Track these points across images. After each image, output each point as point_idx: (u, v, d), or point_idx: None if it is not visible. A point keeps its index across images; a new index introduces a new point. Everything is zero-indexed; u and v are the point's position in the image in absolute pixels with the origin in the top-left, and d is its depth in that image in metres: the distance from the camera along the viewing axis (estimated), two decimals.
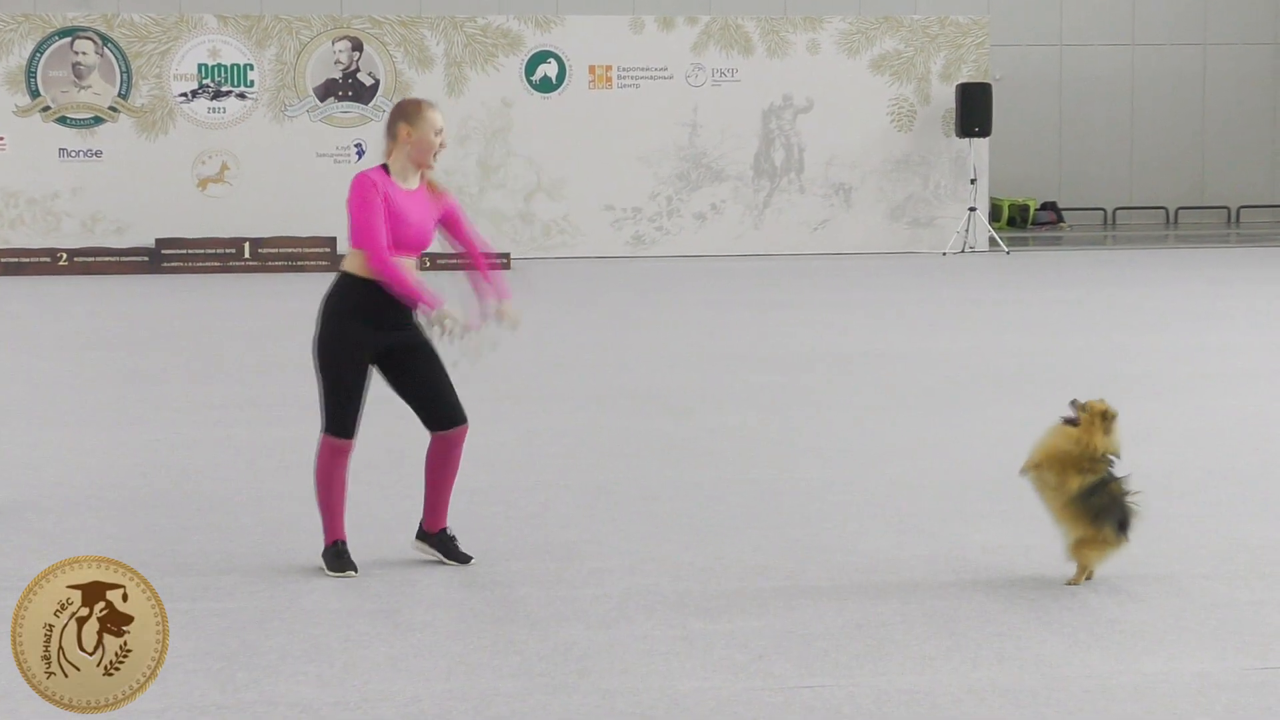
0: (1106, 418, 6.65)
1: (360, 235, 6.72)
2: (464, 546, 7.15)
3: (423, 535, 7.13)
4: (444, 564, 7.07)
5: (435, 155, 6.86)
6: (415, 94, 23.21)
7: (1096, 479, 6.61)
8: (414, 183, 6.87)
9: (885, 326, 15.65)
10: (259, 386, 12.19)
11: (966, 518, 7.89)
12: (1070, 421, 6.69)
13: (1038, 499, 6.81)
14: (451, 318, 6.72)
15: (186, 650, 5.88)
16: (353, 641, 6.03)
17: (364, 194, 6.74)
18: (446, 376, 6.95)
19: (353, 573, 6.90)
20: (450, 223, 6.99)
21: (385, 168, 6.86)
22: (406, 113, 6.85)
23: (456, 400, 6.97)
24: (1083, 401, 6.73)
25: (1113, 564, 6.77)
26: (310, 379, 11.44)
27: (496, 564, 7.07)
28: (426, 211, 6.85)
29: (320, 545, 7.04)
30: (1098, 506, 6.59)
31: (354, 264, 6.79)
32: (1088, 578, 6.71)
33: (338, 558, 6.93)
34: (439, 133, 6.85)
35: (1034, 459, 6.75)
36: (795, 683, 5.56)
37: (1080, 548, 6.65)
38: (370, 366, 6.86)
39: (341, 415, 6.83)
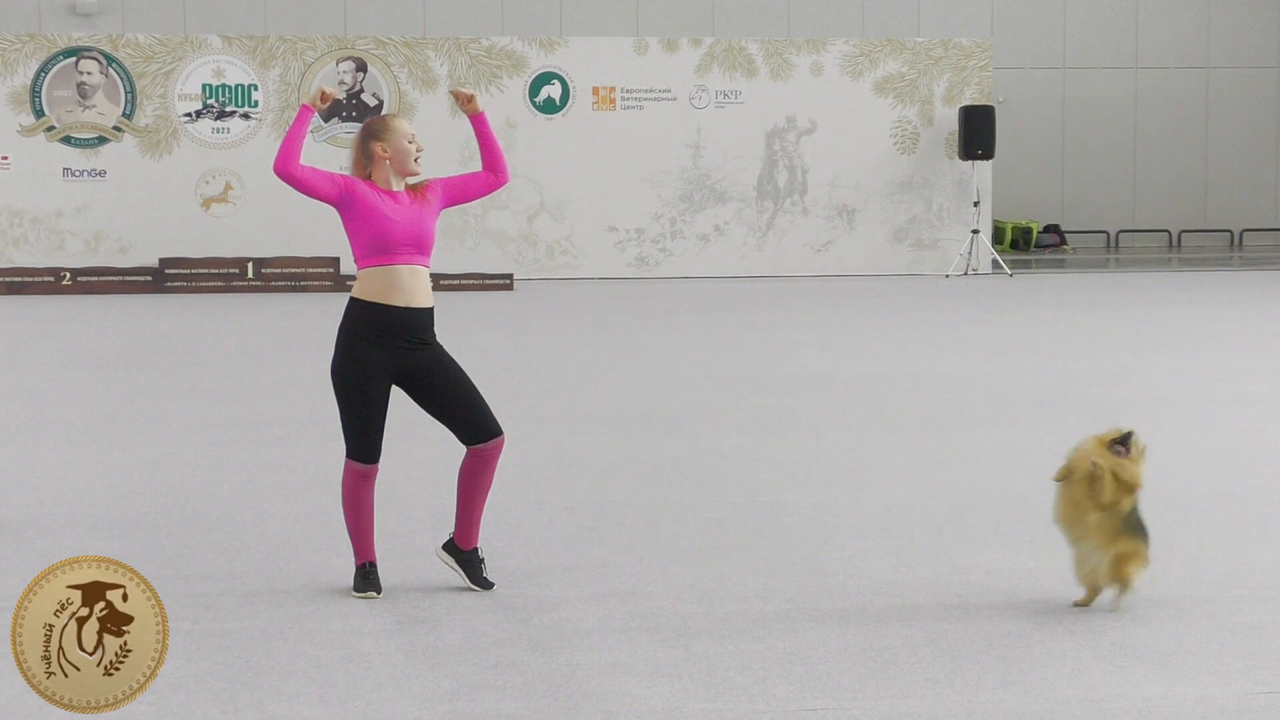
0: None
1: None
2: None
3: (450, 548, 7.08)
4: (455, 583, 7.05)
5: (416, 160, 6.91)
6: (419, 115, 23.27)
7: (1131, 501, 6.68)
8: (399, 187, 6.93)
9: (888, 349, 15.65)
10: (261, 406, 12.19)
11: (969, 541, 7.89)
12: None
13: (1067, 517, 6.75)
14: (319, 93, 6.85)
15: (188, 670, 5.88)
16: (355, 662, 6.03)
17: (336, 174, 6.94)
18: (474, 389, 6.93)
19: (374, 594, 6.89)
20: (455, 190, 7.05)
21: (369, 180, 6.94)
22: (375, 131, 6.91)
23: (489, 412, 6.93)
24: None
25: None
26: (313, 399, 11.46)
27: (500, 586, 7.06)
28: (418, 212, 6.87)
29: (343, 566, 7.05)
30: (1135, 523, 6.64)
31: (359, 288, 6.81)
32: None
33: (364, 579, 6.92)
34: (411, 139, 6.91)
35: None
36: (798, 705, 5.56)
37: (1122, 564, 6.63)
38: (390, 389, 6.86)
39: (362, 440, 6.81)
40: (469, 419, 6.90)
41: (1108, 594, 6.73)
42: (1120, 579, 6.63)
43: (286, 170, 6.75)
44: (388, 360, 6.79)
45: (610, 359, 15.11)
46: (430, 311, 6.89)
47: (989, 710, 5.51)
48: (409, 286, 6.81)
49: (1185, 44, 30.43)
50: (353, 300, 6.83)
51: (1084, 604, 6.73)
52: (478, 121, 7.13)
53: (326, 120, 23.69)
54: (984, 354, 15.29)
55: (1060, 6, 30.12)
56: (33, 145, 23.41)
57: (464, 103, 7.10)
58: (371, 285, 6.79)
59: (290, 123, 6.86)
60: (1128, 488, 6.62)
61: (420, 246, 6.84)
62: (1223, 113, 30.56)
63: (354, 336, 6.79)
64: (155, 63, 23.64)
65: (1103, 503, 6.59)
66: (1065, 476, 6.71)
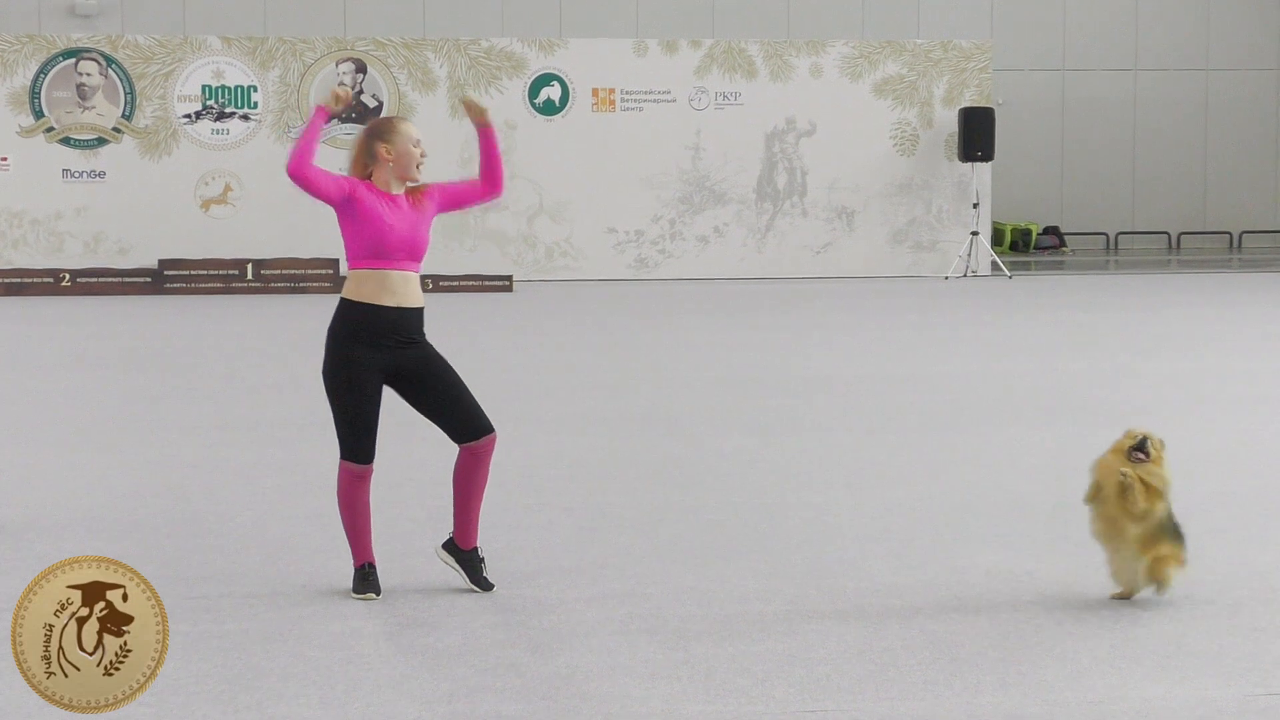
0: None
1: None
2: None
3: (451, 547, 7.07)
4: (454, 585, 7.05)
5: (419, 166, 6.89)
6: (419, 116, 23.27)
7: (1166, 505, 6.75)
8: (398, 190, 6.91)
9: (887, 350, 15.65)
10: (260, 408, 12.18)
11: (968, 542, 7.89)
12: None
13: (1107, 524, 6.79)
14: (333, 95, 6.85)
15: (188, 672, 5.88)
16: (355, 664, 6.03)
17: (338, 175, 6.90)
18: (465, 387, 6.92)
19: (373, 595, 6.88)
20: (450, 198, 7.04)
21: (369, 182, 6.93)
22: (381, 132, 6.90)
23: (480, 409, 6.92)
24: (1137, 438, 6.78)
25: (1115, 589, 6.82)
26: (312, 401, 11.44)
27: (499, 587, 7.06)
28: (415, 219, 6.86)
29: (343, 568, 7.07)
30: (1174, 527, 6.73)
31: (351, 289, 6.81)
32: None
33: (363, 580, 6.92)
34: (417, 143, 6.89)
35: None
36: (798, 707, 5.55)
37: (1159, 566, 6.68)
38: (382, 388, 6.85)
39: (356, 441, 6.81)
40: (460, 417, 6.89)
41: (1146, 592, 6.77)
42: (1158, 579, 6.67)
43: (301, 173, 6.77)
44: (378, 359, 6.78)
45: (610, 360, 15.11)
46: (420, 311, 6.90)
47: (988, 712, 5.51)
48: (400, 290, 6.81)
49: (1185, 45, 30.43)
50: (343, 301, 6.83)
51: (1124, 596, 6.80)
52: (485, 135, 7.09)
53: (326, 122, 23.65)
54: (984, 355, 15.29)
55: (1060, 8, 30.13)
56: (32, 146, 23.41)
57: (475, 114, 7.08)
58: (364, 287, 6.79)
59: (303, 125, 6.84)
60: (1158, 492, 6.65)
61: (414, 254, 6.85)
62: (1222, 114, 30.56)
63: (344, 337, 6.79)
64: (155, 64, 23.64)
65: (1138, 512, 6.61)
66: (1096, 495, 6.74)
